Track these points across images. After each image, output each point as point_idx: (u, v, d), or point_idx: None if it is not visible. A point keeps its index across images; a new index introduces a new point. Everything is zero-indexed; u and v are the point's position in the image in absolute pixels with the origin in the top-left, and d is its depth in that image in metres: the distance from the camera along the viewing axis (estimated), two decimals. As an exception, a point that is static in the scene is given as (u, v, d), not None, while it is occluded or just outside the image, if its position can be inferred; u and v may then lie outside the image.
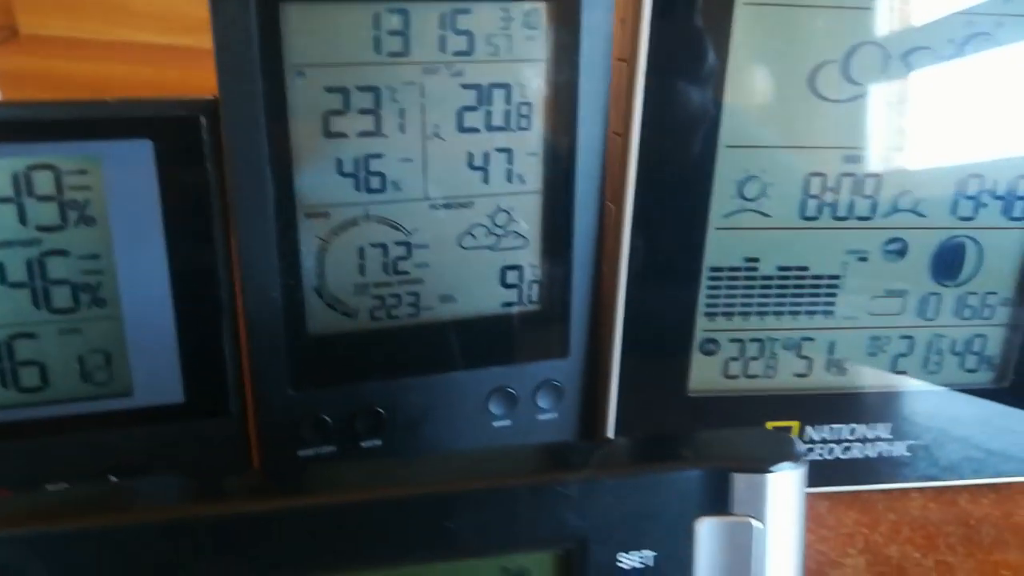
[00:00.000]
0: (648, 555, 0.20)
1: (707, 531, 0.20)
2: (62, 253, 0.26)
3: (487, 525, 0.19)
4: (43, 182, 0.26)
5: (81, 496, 0.20)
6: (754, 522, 0.20)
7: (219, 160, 0.27)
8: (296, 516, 0.18)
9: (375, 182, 0.28)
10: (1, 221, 0.26)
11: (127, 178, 0.26)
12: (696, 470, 0.20)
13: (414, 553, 0.19)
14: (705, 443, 0.20)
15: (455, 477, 0.19)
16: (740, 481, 0.20)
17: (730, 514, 0.20)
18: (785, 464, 0.20)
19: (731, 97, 0.29)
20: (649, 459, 0.20)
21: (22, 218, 0.26)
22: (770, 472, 0.20)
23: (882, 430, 0.35)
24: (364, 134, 0.28)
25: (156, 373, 0.28)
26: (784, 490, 0.20)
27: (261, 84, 0.26)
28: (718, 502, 0.20)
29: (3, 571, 0.17)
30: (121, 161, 0.26)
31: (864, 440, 0.35)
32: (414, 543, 0.19)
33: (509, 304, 0.31)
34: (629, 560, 0.20)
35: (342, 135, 0.28)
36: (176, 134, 0.26)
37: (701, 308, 0.32)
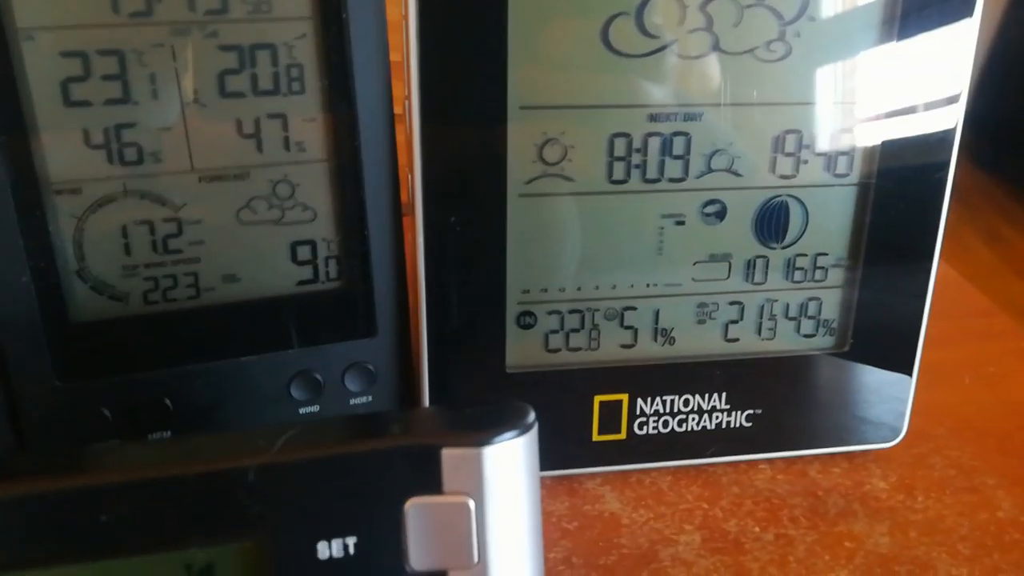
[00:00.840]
0: (351, 542, 0.18)
1: (418, 513, 0.18)
2: None
3: (158, 518, 0.17)
4: None
5: None
6: (469, 500, 0.18)
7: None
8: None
9: (130, 153, 0.26)
10: None
11: None
12: (401, 447, 0.18)
13: (76, 551, 0.17)
14: (418, 418, 0.19)
15: (120, 466, 0.17)
16: (450, 457, 0.18)
17: (442, 493, 0.18)
18: (502, 436, 0.18)
19: (517, 54, 0.27)
20: (352, 437, 0.18)
21: None
22: (484, 446, 0.18)
23: (717, 400, 0.33)
24: (111, 102, 0.25)
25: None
26: (503, 465, 0.18)
27: (-16, 49, 0.24)
28: (428, 481, 0.18)
29: None
30: None
31: (700, 411, 0.33)
32: (77, 540, 0.17)
33: (304, 282, 0.29)
34: (329, 549, 0.18)
35: (86, 103, 0.25)
36: None
37: (513, 280, 0.30)
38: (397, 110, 0.28)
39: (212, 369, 0.29)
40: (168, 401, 0.28)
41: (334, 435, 0.18)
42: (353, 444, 0.18)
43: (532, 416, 0.19)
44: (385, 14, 0.27)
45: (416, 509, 0.18)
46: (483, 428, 0.18)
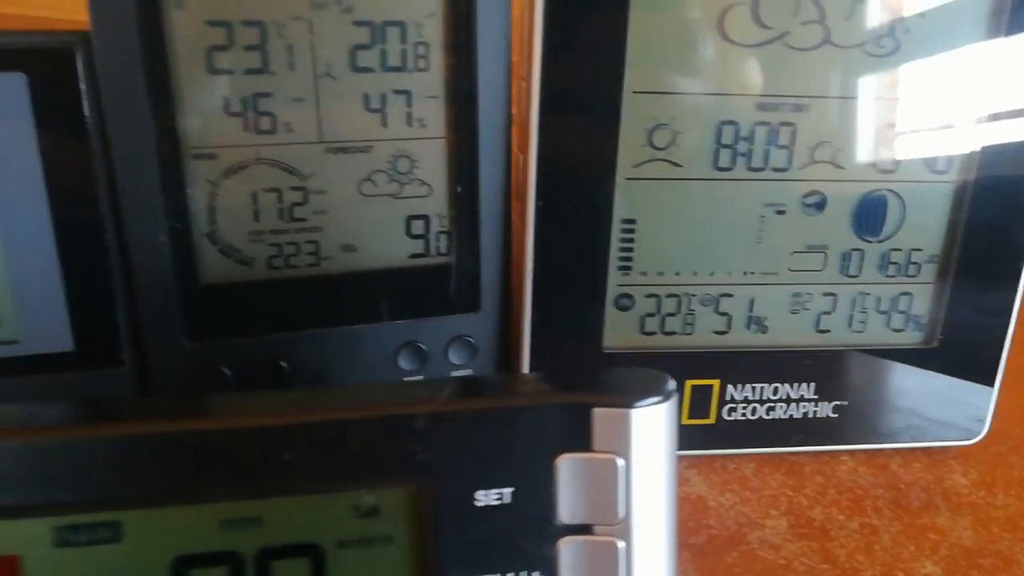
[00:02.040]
0: (507, 492, 0.18)
1: (568, 468, 0.19)
2: (-67, 193, 0.25)
3: (331, 460, 0.18)
4: (-91, 117, 0.24)
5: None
6: (617, 459, 0.19)
7: (97, 97, 0.25)
8: (125, 443, 0.17)
9: (265, 123, 0.27)
10: None
11: (2, 114, 0.25)
12: (555, 405, 0.18)
13: (253, 488, 0.18)
14: (570, 379, 0.19)
15: (297, 409, 0.18)
16: (601, 417, 0.18)
17: (592, 451, 0.19)
18: (650, 400, 0.19)
19: (635, 41, 0.27)
20: (509, 394, 0.19)
21: None
22: (633, 408, 0.19)
23: (806, 390, 0.33)
24: (251, 71, 0.26)
25: (43, 320, 0.26)
26: (649, 426, 0.19)
27: (135, 14, 0.24)
28: (580, 438, 0.19)
29: None
30: (-8, 96, 0.24)
31: (788, 400, 0.33)
32: (253, 477, 0.17)
33: (416, 255, 0.30)
34: (487, 497, 0.18)
35: (227, 71, 0.26)
36: (50, 67, 0.25)
37: (614, 262, 0.31)
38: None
39: (326, 335, 0.29)
40: (284, 363, 0.29)
41: (492, 391, 0.19)
42: (511, 400, 0.18)
43: (674, 384, 0.19)
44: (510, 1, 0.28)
45: (567, 464, 0.18)
46: (632, 391, 0.19)
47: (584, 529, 0.19)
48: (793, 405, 0.33)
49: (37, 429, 0.17)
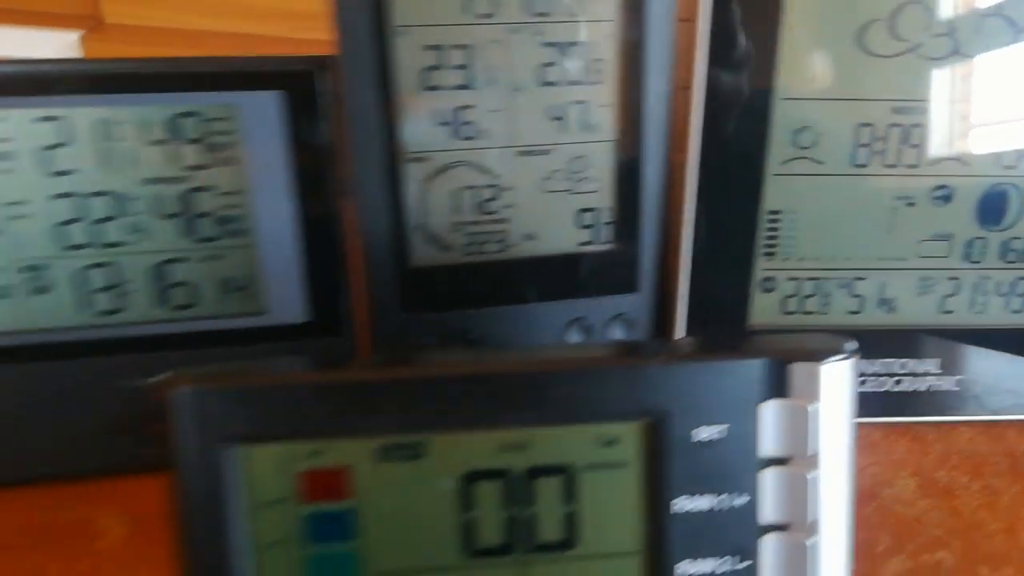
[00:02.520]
0: (721, 429, 0.22)
1: (770, 412, 0.22)
2: (206, 189, 0.30)
3: (585, 399, 0.22)
4: (191, 127, 0.30)
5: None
6: (809, 405, 0.22)
7: (335, 109, 0.30)
8: (430, 383, 0.22)
9: (468, 131, 0.31)
10: (157, 160, 0.30)
11: (261, 124, 0.30)
12: (761, 360, 0.22)
13: (524, 420, 0.22)
14: (770, 340, 0.23)
15: (558, 358, 0.22)
16: (798, 369, 0.22)
17: (789, 397, 0.23)
18: (836, 356, 0.23)
19: (786, 53, 0.31)
20: (724, 351, 0.23)
21: (174, 158, 0.30)
22: (823, 363, 0.22)
23: (931, 365, 0.36)
24: (457, 87, 0.31)
25: (285, 296, 0.32)
26: (835, 378, 0.22)
27: (370, 42, 0.29)
28: (779, 387, 0.22)
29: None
30: (255, 109, 0.29)
31: (914, 374, 0.36)
32: (523, 411, 0.22)
33: (585, 243, 0.34)
34: (704, 433, 0.22)
35: (437, 88, 0.31)
36: (301, 86, 0.30)
37: (760, 248, 0.34)
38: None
39: (508, 311, 0.34)
40: (473, 335, 0.34)
41: (708, 349, 0.23)
42: (727, 355, 0.22)
43: (854, 345, 0.23)
44: (676, 20, 0.32)
45: (768, 408, 0.22)
46: (821, 350, 0.22)
47: (781, 462, 0.23)
48: (919, 379, 0.36)
49: (372, 372, 0.21)
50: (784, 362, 0.22)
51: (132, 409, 0.32)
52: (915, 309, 0.36)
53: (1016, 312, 0.36)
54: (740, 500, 0.22)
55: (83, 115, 0.29)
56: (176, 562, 0.22)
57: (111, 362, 0.31)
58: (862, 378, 0.36)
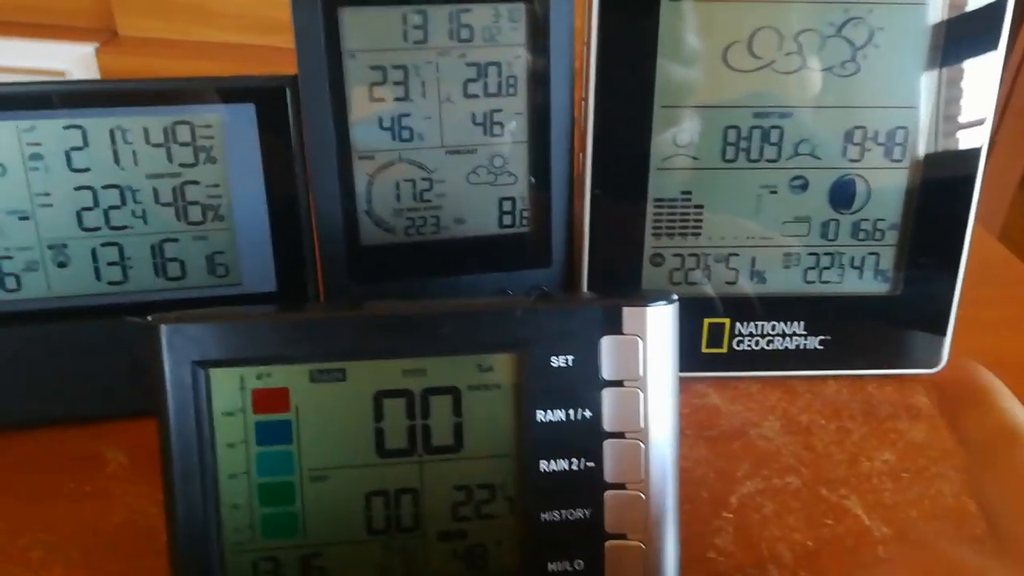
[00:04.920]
0: (572, 358, 0.29)
1: (608, 344, 0.29)
2: (195, 183, 0.37)
3: (468, 334, 0.28)
4: (183, 133, 0.36)
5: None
6: (639, 339, 0.29)
7: (298, 118, 0.37)
8: (350, 322, 0.28)
9: (406, 134, 0.38)
10: (156, 160, 0.36)
11: (239, 130, 0.36)
12: (600, 305, 0.29)
13: (422, 350, 0.28)
14: (611, 293, 0.29)
15: (448, 304, 0.29)
16: (628, 312, 0.29)
17: (623, 334, 0.29)
18: (659, 302, 0.29)
19: (663, 70, 0.38)
20: (574, 300, 0.29)
21: (169, 158, 0.36)
22: (648, 306, 0.29)
23: (797, 327, 0.42)
24: (398, 99, 0.37)
25: (257, 270, 0.38)
26: (659, 319, 0.29)
27: (327, 64, 0.36)
28: (615, 326, 0.29)
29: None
30: (235, 118, 0.36)
31: (783, 335, 0.42)
32: (421, 344, 0.28)
33: (505, 226, 0.41)
34: (558, 361, 0.29)
35: (382, 100, 0.37)
36: (272, 99, 0.36)
37: (649, 229, 0.41)
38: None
39: (442, 282, 0.40)
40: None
41: (562, 298, 0.29)
42: (576, 303, 0.29)
43: (675, 296, 0.29)
44: (574, 44, 0.38)
45: (607, 341, 0.28)
46: (648, 298, 0.29)
47: (617, 383, 0.29)
48: (788, 339, 0.42)
49: (305, 313, 0.28)
50: (618, 307, 0.29)
51: (133, 361, 0.38)
52: (782, 279, 0.42)
53: (868, 281, 0.42)
54: (586, 413, 0.29)
55: (99, 124, 0.35)
56: (160, 458, 0.28)
57: (118, 323, 0.38)
58: (739, 338, 0.42)
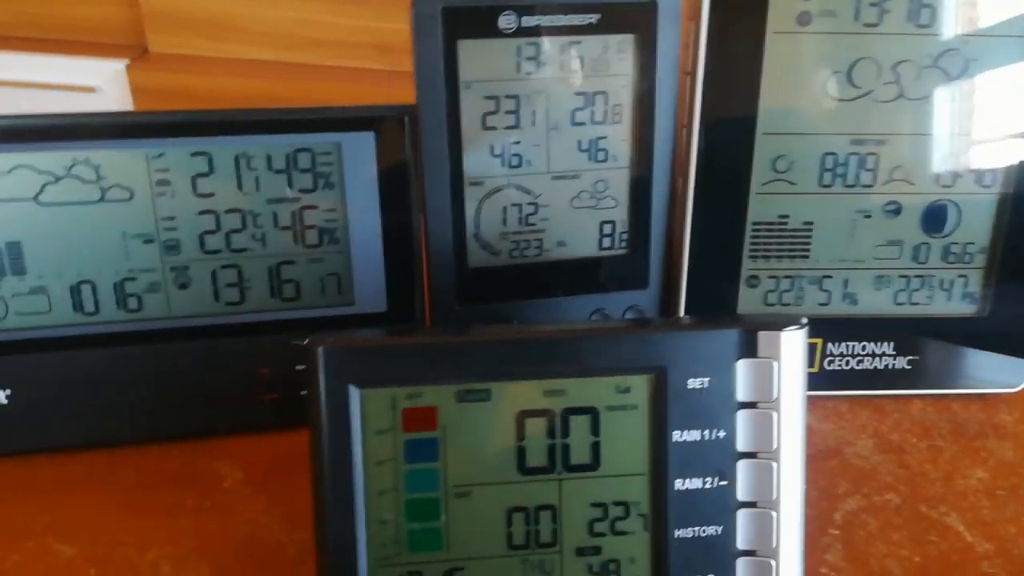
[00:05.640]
0: (707, 380, 0.29)
1: (743, 367, 0.29)
2: (313, 207, 0.38)
3: (608, 356, 0.29)
4: (304, 160, 0.37)
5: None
6: (773, 362, 0.30)
7: (415, 146, 0.38)
8: (495, 345, 0.29)
9: (515, 161, 0.39)
10: (277, 185, 0.37)
11: (357, 157, 0.37)
12: (737, 329, 0.30)
13: (563, 371, 0.29)
14: (743, 317, 0.30)
15: (588, 327, 0.29)
16: (764, 336, 0.30)
17: (757, 357, 0.30)
18: (792, 327, 0.30)
19: (765, 99, 0.39)
20: (710, 323, 0.30)
21: (290, 183, 0.37)
22: (782, 331, 0.29)
23: (887, 347, 0.43)
24: (508, 127, 0.38)
25: (370, 291, 0.39)
26: (791, 343, 0.29)
27: (444, 94, 0.37)
28: (750, 349, 0.30)
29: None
30: (354, 146, 0.37)
31: (873, 355, 0.43)
32: (562, 366, 0.29)
33: (605, 248, 0.41)
34: (695, 383, 0.29)
35: (494, 128, 0.38)
36: (390, 127, 0.37)
37: (746, 252, 0.42)
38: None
39: (543, 303, 0.41)
40: (516, 321, 0.41)
41: (699, 321, 0.30)
42: (712, 325, 0.29)
43: (806, 320, 0.30)
44: (679, 74, 0.39)
45: (743, 364, 0.29)
46: (782, 322, 0.30)
47: (751, 405, 0.30)
48: (877, 359, 0.43)
49: (455, 337, 0.29)
50: (754, 331, 0.29)
51: (249, 381, 0.39)
52: (873, 301, 0.42)
53: (957, 303, 0.43)
54: (720, 433, 0.30)
55: (224, 151, 0.36)
56: (312, 475, 0.29)
57: (235, 343, 0.39)
58: (830, 358, 0.43)
